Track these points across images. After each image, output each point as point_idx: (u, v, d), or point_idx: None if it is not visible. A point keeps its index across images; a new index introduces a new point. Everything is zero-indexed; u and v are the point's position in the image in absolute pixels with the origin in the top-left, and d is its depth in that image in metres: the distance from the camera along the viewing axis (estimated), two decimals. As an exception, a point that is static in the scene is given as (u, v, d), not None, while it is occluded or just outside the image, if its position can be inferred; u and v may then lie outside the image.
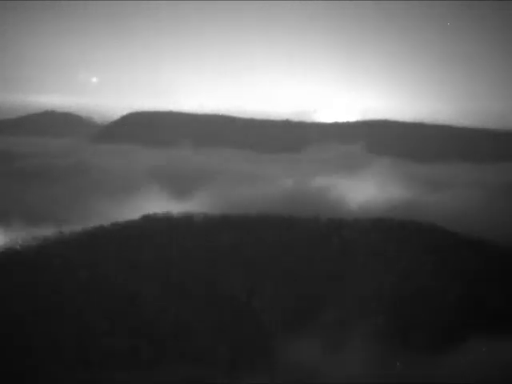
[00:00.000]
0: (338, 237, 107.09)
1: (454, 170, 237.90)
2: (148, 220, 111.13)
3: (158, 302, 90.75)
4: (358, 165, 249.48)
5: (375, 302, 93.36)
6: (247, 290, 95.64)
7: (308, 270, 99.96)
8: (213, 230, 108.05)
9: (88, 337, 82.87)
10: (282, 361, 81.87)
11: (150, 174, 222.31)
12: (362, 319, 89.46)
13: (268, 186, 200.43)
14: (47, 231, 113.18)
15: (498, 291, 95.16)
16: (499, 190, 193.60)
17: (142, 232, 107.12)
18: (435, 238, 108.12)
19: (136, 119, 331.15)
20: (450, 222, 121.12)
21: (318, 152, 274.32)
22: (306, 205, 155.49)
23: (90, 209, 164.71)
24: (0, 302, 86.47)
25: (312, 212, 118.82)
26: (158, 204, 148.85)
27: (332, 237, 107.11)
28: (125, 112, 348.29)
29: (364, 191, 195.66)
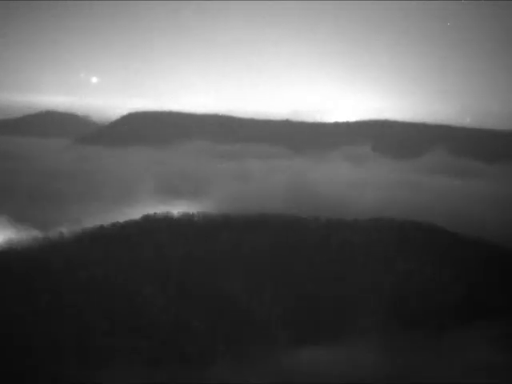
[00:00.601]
0: (337, 237, 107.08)
1: (454, 169, 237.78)
2: (148, 220, 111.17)
3: (158, 302, 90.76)
4: (358, 164, 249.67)
5: (375, 302, 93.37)
6: (247, 290, 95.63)
7: (308, 270, 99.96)
8: (213, 230, 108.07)
9: (88, 337, 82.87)
10: (282, 361, 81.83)
11: (150, 173, 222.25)
12: (362, 319, 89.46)
13: (268, 186, 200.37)
14: (47, 231, 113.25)
15: (498, 291, 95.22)
16: (500, 189, 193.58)
17: (142, 232, 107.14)
18: (435, 238, 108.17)
19: (136, 119, 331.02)
20: (450, 221, 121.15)
21: (319, 152, 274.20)
22: (306, 205, 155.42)
23: (90, 209, 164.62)
24: (0, 302, 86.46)
25: (312, 212, 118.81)
26: (157, 204, 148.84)
27: (332, 237, 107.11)
28: (125, 112, 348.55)
29: (364, 191, 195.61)
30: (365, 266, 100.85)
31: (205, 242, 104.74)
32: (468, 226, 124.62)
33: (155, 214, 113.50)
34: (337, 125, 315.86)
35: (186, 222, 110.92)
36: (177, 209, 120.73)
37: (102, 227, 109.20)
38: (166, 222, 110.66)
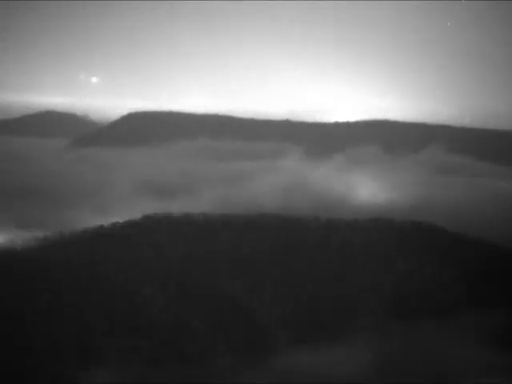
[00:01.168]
0: (337, 237, 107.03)
1: (454, 170, 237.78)
2: (148, 220, 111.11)
3: (158, 302, 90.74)
4: (359, 164, 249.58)
5: (375, 302, 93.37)
6: (247, 290, 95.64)
7: (308, 270, 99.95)
8: (213, 230, 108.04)
9: (88, 337, 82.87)
10: (282, 361, 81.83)
11: (150, 173, 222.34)
12: (362, 319, 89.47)
13: (268, 186, 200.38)
14: (47, 231, 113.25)
15: (498, 291, 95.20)
16: (500, 189, 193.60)
17: (142, 232, 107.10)
18: (435, 238, 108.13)
19: (136, 119, 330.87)
20: (450, 221, 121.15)
21: (319, 152, 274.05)
22: (305, 205, 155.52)
23: (90, 209, 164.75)
24: (0, 302, 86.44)
25: (312, 212, 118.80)
26: (157, 204, 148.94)
27: (332, 237, 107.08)
28: (125, 112, 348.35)
29: (365, 191, 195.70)
30: (365, 266, 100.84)
31: (205, 242, 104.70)
32: (468, 226, 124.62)
33: (155, 214, 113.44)
34: (337, 125, 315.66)
35: (186, 222, 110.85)
36: (177, 209, 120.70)
37: (102, 227, 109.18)
38: (166, 222, 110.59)
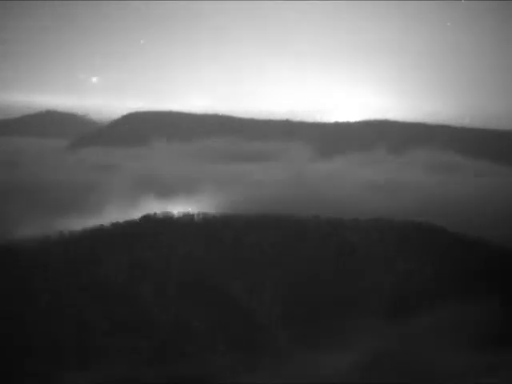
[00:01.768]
0: (337, 237, 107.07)
1: (454, 169, 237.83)
2: (148, 220, 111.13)
3: (158, 302, 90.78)
4: (359, 164, 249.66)
5: (375, 302, 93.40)
6: (247, 289, 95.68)
7: (308, 270, 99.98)
8: (213, 230, 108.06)
9: (88, 337, 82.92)
10: (282, 361, 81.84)
11: (150, 173, 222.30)
12: (362, 319, 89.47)
13: (268, 186, 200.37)
14: (47, 231, 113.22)
15: (498, 291, 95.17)
16: (500, 190, 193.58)
17: (142, 232, 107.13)
18: (435, 238, 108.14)
19: (136, 119, 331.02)
20: (450, 222, 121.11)
21: (319, 152, 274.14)
22: (306, 205, 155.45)
23: (90, 209, 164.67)
24: (0, 302, 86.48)
25: (312, 212, 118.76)
26: (158, 204, 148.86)
27: (332, 237, 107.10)
28: (125, 112, 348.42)
29: (365, 191, 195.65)
30: (365, 265, 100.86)
31: (205, 242, 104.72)
32: (468, 226, 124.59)
33: (155, 214, 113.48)
34: (337, 125, 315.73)
35: (186, 222, 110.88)
36: (177, 209, 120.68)
37: (102, 227, 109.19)
38: (166, 222, 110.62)
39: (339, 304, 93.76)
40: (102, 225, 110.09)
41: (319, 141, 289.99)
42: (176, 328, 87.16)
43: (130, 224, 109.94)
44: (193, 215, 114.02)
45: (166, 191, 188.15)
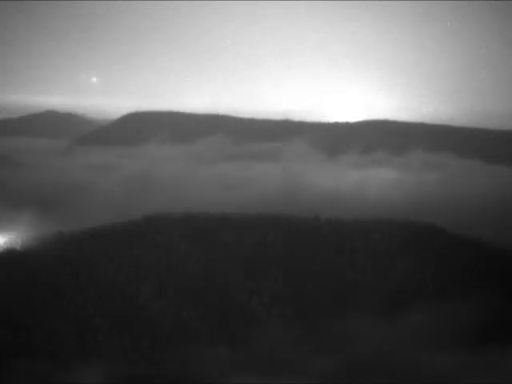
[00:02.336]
0: (337, 237, 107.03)
1: (454, 169, 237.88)
2: (148, 220, 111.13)
3: (158, 302, 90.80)
4: (359, 164, 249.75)
5: (375, 302, 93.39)
6: (247, 289, 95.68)
7: (308, 270, 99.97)
8: (213, 229, 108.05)
9: (88, 337, 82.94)
10: (281, 361, 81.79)
11: (150, 173, 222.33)
12: (362, 319, 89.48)
13: (268, 186, 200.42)
14: (47, 231, 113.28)
15: (498, 291, 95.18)
16: (500, 190, 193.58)
17: (142, 232, 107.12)
18: (435, 238, 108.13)
19: (136, 119, 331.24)
20: (450, 222, 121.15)
21: (319, 152, 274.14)
22: (306, 205, 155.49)
23: (90, 208, 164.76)
24: (0, 302, 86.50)
25: (312, 212, 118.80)
26: (157, 204, 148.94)
27: (332, 237, 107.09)
28: (125, 112, 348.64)
29: (365, 191, 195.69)
30: (365, 266, 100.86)
31: (205, 242, 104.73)
32: (468, 226, 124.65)
33: (155, 214, 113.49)
34: (337, 125, 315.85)
35: (186, 222, 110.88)
36: (177, 209, 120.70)
37: (102, 227, 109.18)
38: (166, 222, 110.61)
39: (339, 304, 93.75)
40: (102, 225, 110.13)
41: (319, 141, 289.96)
42: (176, 328, 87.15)
43: (130, 224, 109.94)
44: (193, 215, 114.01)
45: (166, 191, 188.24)
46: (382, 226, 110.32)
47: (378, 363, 79.38)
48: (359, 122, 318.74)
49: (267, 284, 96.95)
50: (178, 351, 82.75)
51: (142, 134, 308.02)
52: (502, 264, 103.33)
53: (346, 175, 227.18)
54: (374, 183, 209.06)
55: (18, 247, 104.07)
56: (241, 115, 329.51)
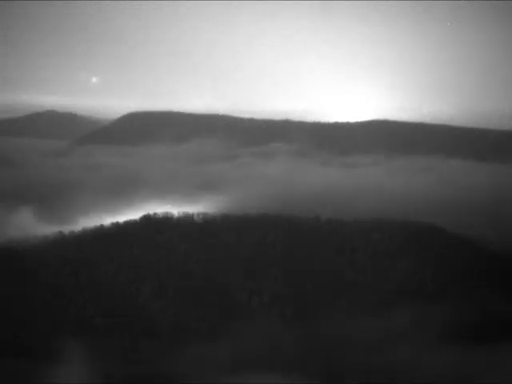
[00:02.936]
0: (337, 237, 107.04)
1: (454, 169, 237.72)
2: (148, 220, 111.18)
3: (158, 302, 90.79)
4: (359, 164, 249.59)
5: (375, 302, 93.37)
6: (247, 289, 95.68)
7: (308, 270, 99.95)
8: (213, 230, 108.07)
9: (88, 336, 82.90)
10: (281, 360, 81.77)
11: (150, 173, 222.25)
12: (362, 319, 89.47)
13: (268, 186, 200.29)
14: (47, 231, 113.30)
15: (498, 291, 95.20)
16: (499, 190, 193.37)
17: (142, 232, 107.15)
18: (435, 238, 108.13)
19: (136, 119, 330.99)
20: (450, 222, 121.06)
21: (319, 152, 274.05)
22: (306, 205, 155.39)
23: (90, 208, 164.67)
24: (0, 302, 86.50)
25: (312, 212, 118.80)
26: (157, 204, 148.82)
27: (332, 237, 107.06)
28: (125, 112, 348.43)
29: (365, 191, 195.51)
30: (365, 265, 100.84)
31: (205, 242, 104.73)
32: (468, 226, 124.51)
33: (155, 214, 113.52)
34: (337, 125, 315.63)
35: (186, 222, 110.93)
36: (177, 209, 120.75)
37: (102, 227, 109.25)
38: (166, 222, 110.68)
39: (339, 304, 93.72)
40: (101, 225, 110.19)
41: (319, 141, 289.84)
42: (176, 328, 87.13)
43: (130, 224, 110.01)
44: (193, 215, 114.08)
45: (166, 191, 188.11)
46: (381, 226, 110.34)
47: (378, 363, 79.37)
48: (359, 122, 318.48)
49: (267, 284, 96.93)
50: (178, 351, 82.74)
51: (142, 134, 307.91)
52: (502, 264, 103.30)
53: (346, 175, 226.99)
54: (374, 183, 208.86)
55: (18, 247, 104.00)
56: (241, 115, 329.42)
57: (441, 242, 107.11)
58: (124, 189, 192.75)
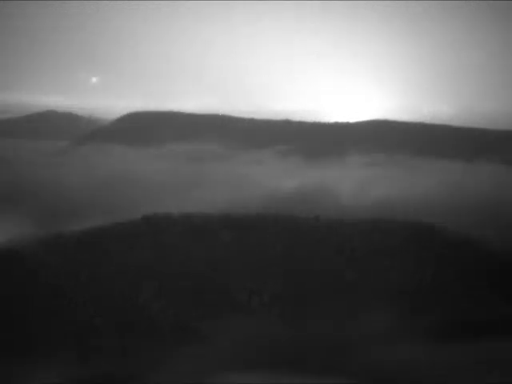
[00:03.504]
0: (337, 237, 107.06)
1: (454, 169, 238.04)
2: (148, 220, 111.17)
3: (158, 303, 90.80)
4: (359, 164, 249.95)
5: (375, 302, 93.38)
6: (247, 290, 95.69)
7: (308, 271, 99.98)
8: (213, 230, 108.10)
9: (87, 337, 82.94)
10: (281, 360, 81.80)
11: (150, 173, 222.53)
12: (362, 319, 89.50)
13: (268, 186, 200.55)
14: (47, 231, 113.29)
15: (498, 291, 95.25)
16: (498, 190, 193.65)
17: (142, 232, 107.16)
18: (435, 238, 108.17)
19: (136, 119, 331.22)
20: (450, 222, 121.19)
21: (319, 152, 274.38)
22: (305, 205, 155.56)
23: (90, 209, 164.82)
24: (0, 302, 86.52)
25: (312, 212, 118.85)
26: (157, 204, 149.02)
27: (332, 237, 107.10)
28: (124, 112, 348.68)
29: (365, 191, 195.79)
30: (365, 266, 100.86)
31: (205, 241, 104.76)
32: (468, 226, 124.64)
33: (155, 214, 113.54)
34: (337, 125, 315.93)
35: (185, 222, 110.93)
36: (177, 209, 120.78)
37: (101, 227, 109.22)
38: (166, 222, 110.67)
39: (339, 304, 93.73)
40: (102, 225, 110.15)
41: (319, 141, 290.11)
42: (175, 328, 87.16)
43: (130, 224, 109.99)
44: (193, 215, 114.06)
45: (166, 191, 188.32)
46: (382, 226, 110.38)
47: (378, 363, 79.42)
48: (359, 122, 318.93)
49: (267, 284, 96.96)
50: (178, 351, 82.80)
51: (142, 134, 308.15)
52: (502, 264, 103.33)
53: (346, 175, 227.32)
54: (375, 183, 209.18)
55: (18, 247, 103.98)
56: (241, 115, 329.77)
57: (441, 242, 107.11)
58: (124, 189, 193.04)
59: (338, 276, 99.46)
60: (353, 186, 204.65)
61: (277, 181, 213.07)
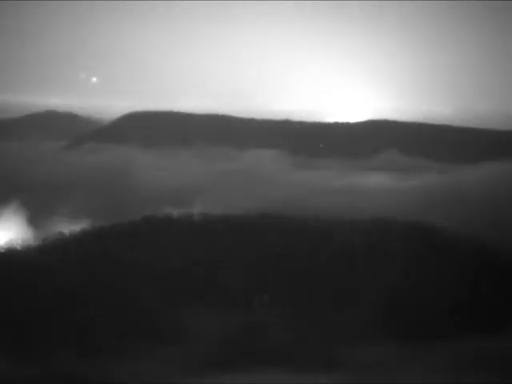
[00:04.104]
0: (337, 237, 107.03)
1: (454, 169, 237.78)
2: (148, 220, 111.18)
3: (158, 303, 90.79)
4: (359, 164, 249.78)
5: (375, 302, 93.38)
6: (247, 290, 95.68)
7: (308, 271, 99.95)
8: (213, 230, 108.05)
9: (87, 337, 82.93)
10: (281, 360, 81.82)
11: (150, 173, 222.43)
12: (362, 319, 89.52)
13: (268, 187, 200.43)
14: (47, 231, 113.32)
15: (498, 291, 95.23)
16: (498, 189, 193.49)
17: (142, 232, 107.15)
18: (435, 238, 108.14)
19: (136, 119, 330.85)
20: (450, 222, 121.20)
21: (319, 152, 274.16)
22: (305, 205, 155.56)
23: (90, 209, 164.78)
24: (0, 302, 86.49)
25: (312, 212, 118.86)
26: (157, 204, 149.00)
27: (332, 237, 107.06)
28: (125, 112, 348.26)
29: (365, 191, 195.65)
30: (365, 266, 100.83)
31: (205, 241, 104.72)
32: (468, 225, 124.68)
33: (155, 214, 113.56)
34: (337, 125, 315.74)
35: (186, 221, 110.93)
36: (177, 209, 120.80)
37: (102, 227, 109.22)
38: (166, 221, 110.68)
39: (339, 304, 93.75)
40: (102, 225, 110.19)
41: (319, 141, 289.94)
42: (175, 328, 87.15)
43: (130, 224, 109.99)
44: (193, 215, 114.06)
45: (166, 191, 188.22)
46: (381, 226, 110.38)
47: (379, 363, 79.49)
48: (359, 122, 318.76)
49: (267, 284, 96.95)
50: (178, 352, 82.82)
51: (142, 134, 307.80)
52: (502, 264, 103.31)
53: (346, 175, 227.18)
54: (375, 183, 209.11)
55: (18, 247, 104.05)
56: (241, 115, 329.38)
57: (441, 242, 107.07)
58: (124, 188, 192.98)
59: (337, 276, 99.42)
60: (352, 185, 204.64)
61: (277, 181, 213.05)
